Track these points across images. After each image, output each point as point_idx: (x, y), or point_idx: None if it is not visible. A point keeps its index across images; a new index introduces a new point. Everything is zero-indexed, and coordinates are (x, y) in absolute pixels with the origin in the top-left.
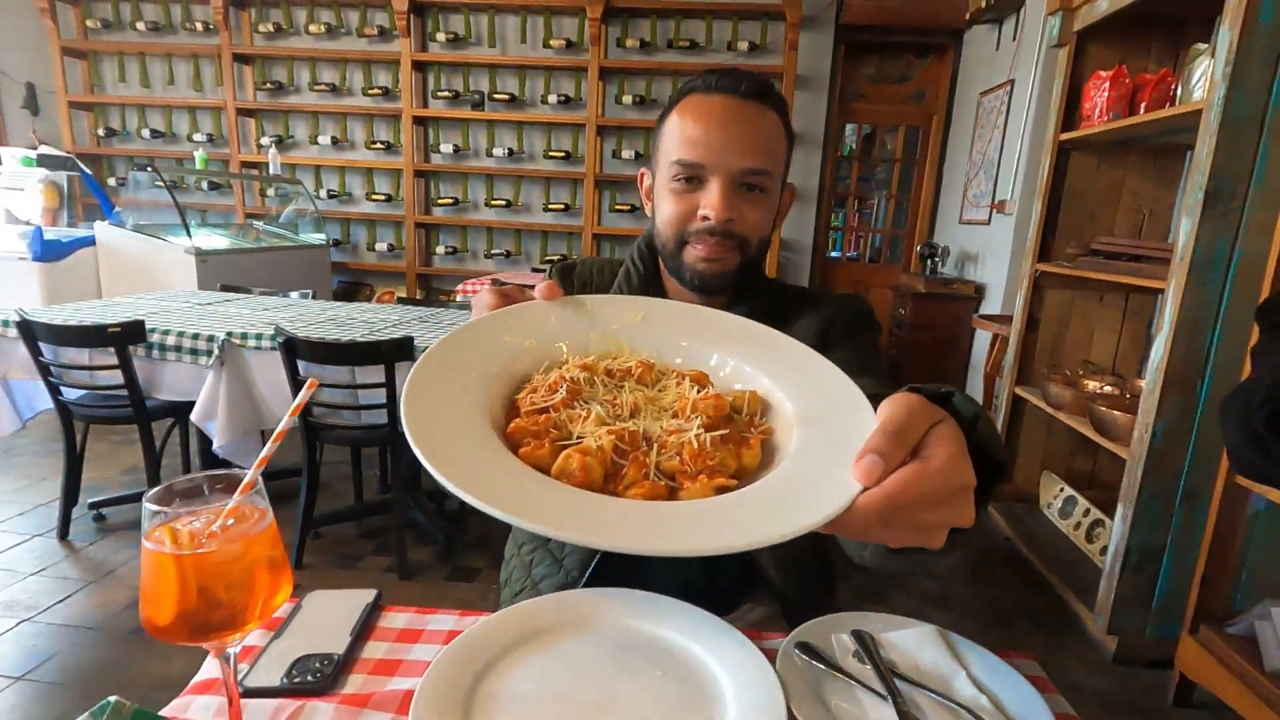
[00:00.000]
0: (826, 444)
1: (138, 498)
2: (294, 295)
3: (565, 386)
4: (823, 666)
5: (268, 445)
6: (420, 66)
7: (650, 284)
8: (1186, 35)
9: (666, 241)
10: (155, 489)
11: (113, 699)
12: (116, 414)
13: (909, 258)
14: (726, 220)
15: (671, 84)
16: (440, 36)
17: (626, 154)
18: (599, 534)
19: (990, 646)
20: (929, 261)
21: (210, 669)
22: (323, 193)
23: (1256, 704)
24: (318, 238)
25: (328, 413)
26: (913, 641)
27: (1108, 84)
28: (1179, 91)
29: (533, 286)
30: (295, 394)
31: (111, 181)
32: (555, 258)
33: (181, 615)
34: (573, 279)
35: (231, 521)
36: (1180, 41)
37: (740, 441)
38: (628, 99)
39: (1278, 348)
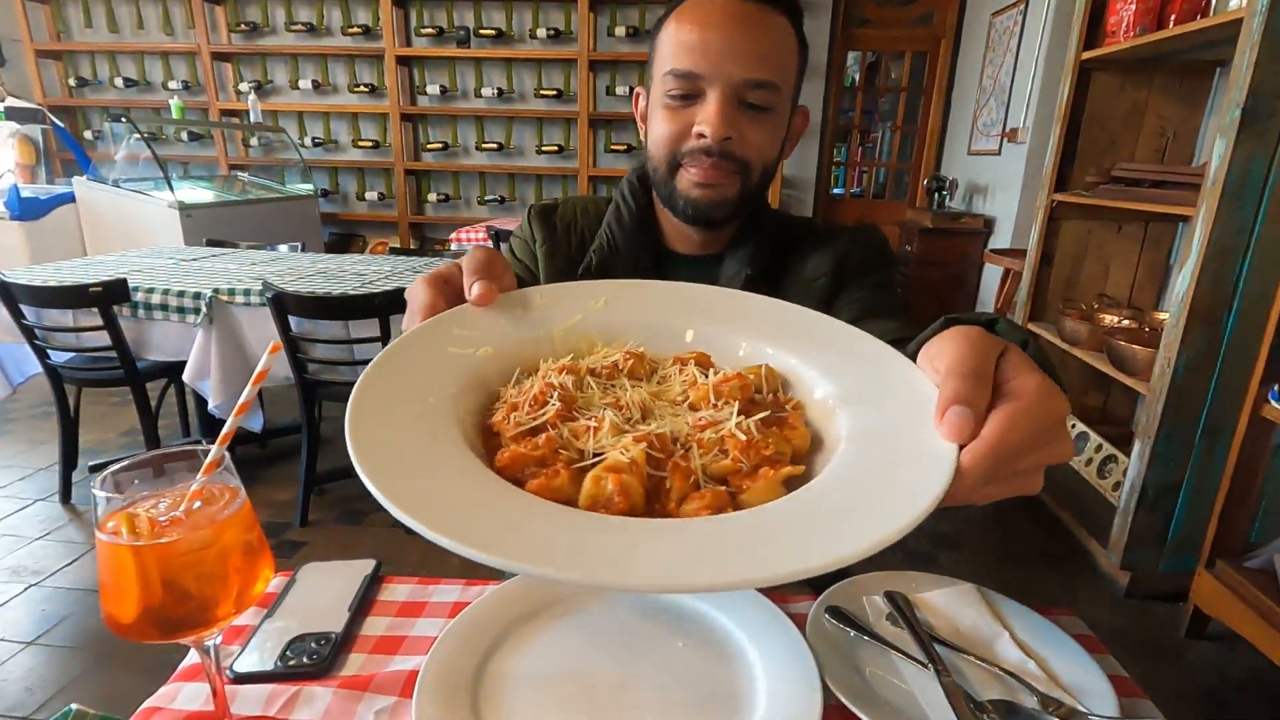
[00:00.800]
0: (882, 409)
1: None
2: (283, 249)
3: (556, 396)
4: (855, 632)
5: (229, 421)
6: (401, 2)
7: (643, 221)
8: None
9: (658, 165)
10: (106, 471)
11: (74, 707)
12: (107, 376)
13: (915, 192)
14: (725, 139)
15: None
16: None
17: (621, 90)
18: (699, 574)
19: (1003, 586)
20: (936, 195)
21: (195, 655)
22: (307, 140)
23: (1274, 636)
24: (305, 188)
25: (323, 369)
26: (950, 601)
27: None
28: (1213, 2)
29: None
30: (289, 351)
31: (88, 135)
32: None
33: (147, 612)
34: (554, 221)
35: (199, 505)
36: None
37: (781, 423)
38: (620, 30)
39: None
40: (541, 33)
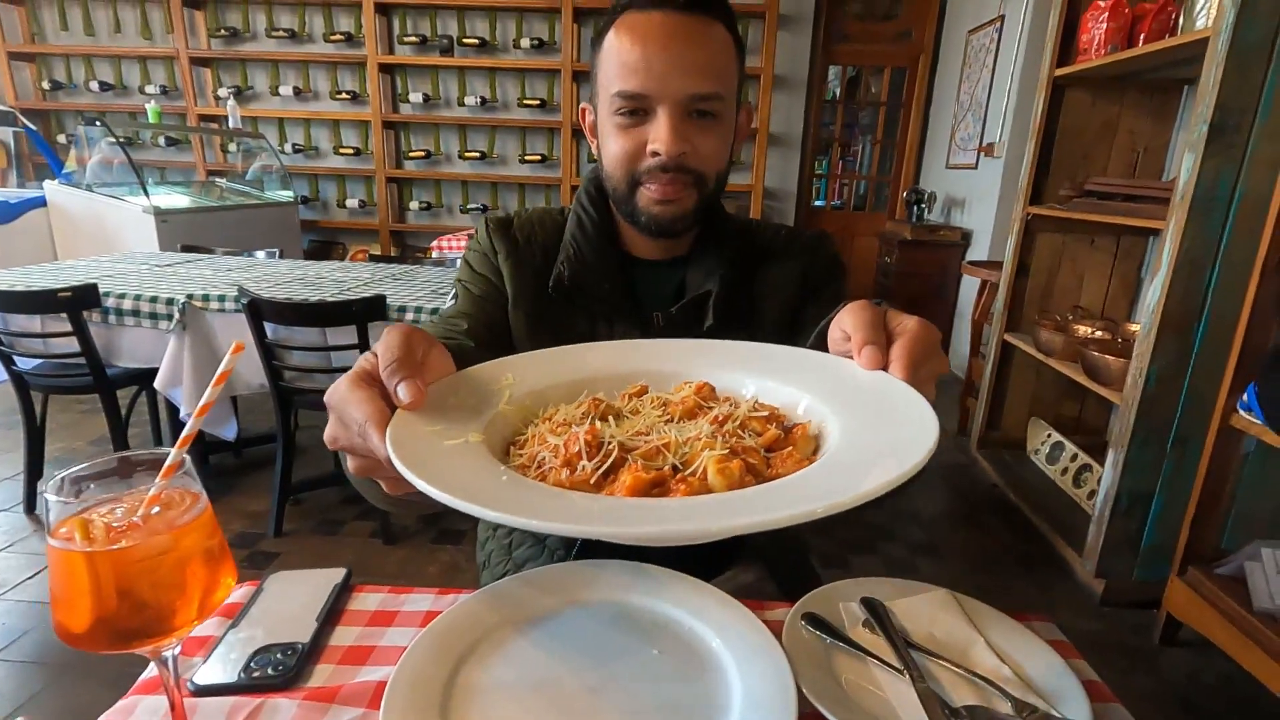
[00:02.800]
0: (856, 400)
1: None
2: (260, 255)
3: (609, 436)
4: (831, 639)
5: (189, 423)
6: (384, 10)
7: (605, 230)
8: None
9: (617, 184)
10: (59, 475)
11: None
12: (76, 383)
13: (894, 204)
14: (679, 155)
15: None
16: None
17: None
18: (778, 510)
19: (980, 593)
20: (915, 208)
21: (155, 667)
22: (287, 147)
23: (1245, 642)
24: (285, 195)
25: (299, 376)
26: (926, 608)
27: (1106, 15)
28: (1181, 21)
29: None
30: (264, 358)
31: (61, 139)
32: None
33: (100, 622)
34: (514, 234)
35: (157, 510)
36: None
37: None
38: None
39: None
40: (525, 43)
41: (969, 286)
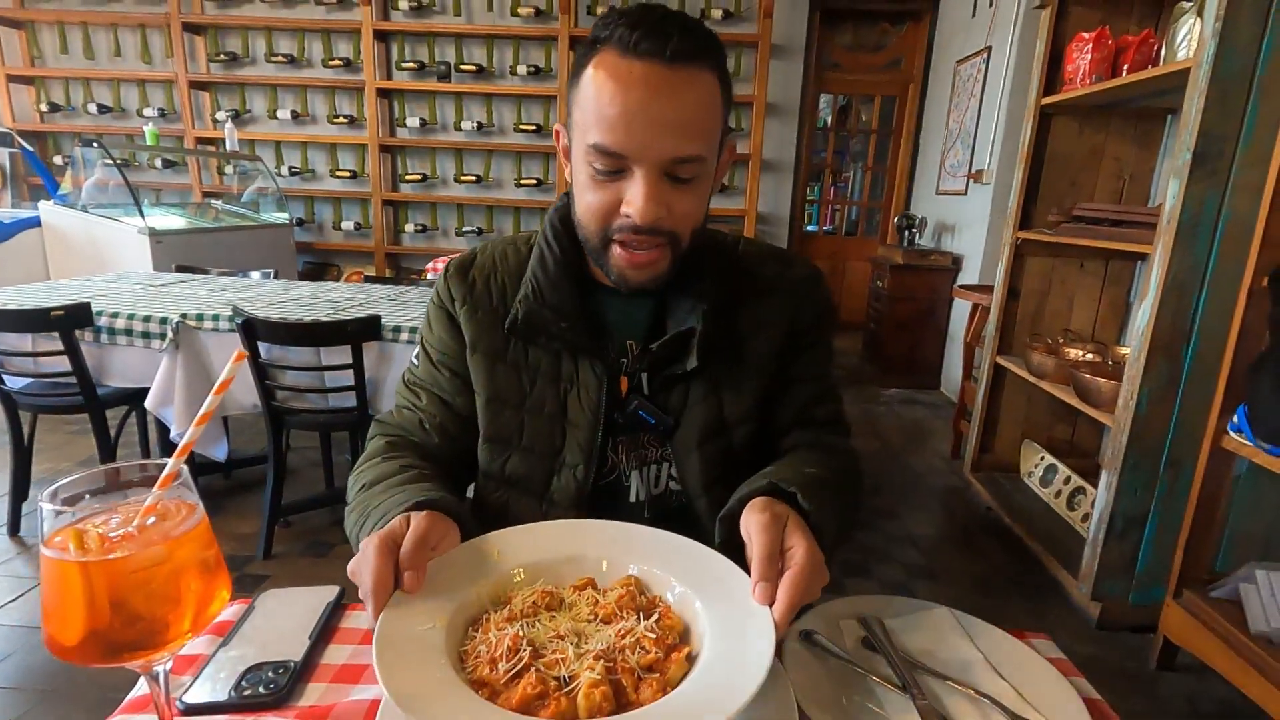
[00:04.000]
0: (720, 595)
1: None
2: (254, 275)
3: (525, 645)
4: (831, 658)
5: (189, 431)
6: (382, 36)
7: (569, 266)
8: None
9: (589, 236)
10: (56, 484)
11: None
12: (65, 403)
13: (886, 229)
14: (655, 220)
15: None
16: (403, 4)
17: None
18: None
19: (978, 615)
20: (906, 233)
21: (145, 685)
22: (284, 169)
23: (1241, 666)
24: (280, 217)
25: (292, 396)
26: (925, 625)
27: (1090, 46)
28: (1163, 52)
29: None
30: (257, 378)
31: (57, 160)
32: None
33: (93, 634)
34: (472, 274)
35: (152, 520)
36: (1162, 2)
37: (664, 616)
38: None
39: None
40: (522, 69)
41: (960, 310)
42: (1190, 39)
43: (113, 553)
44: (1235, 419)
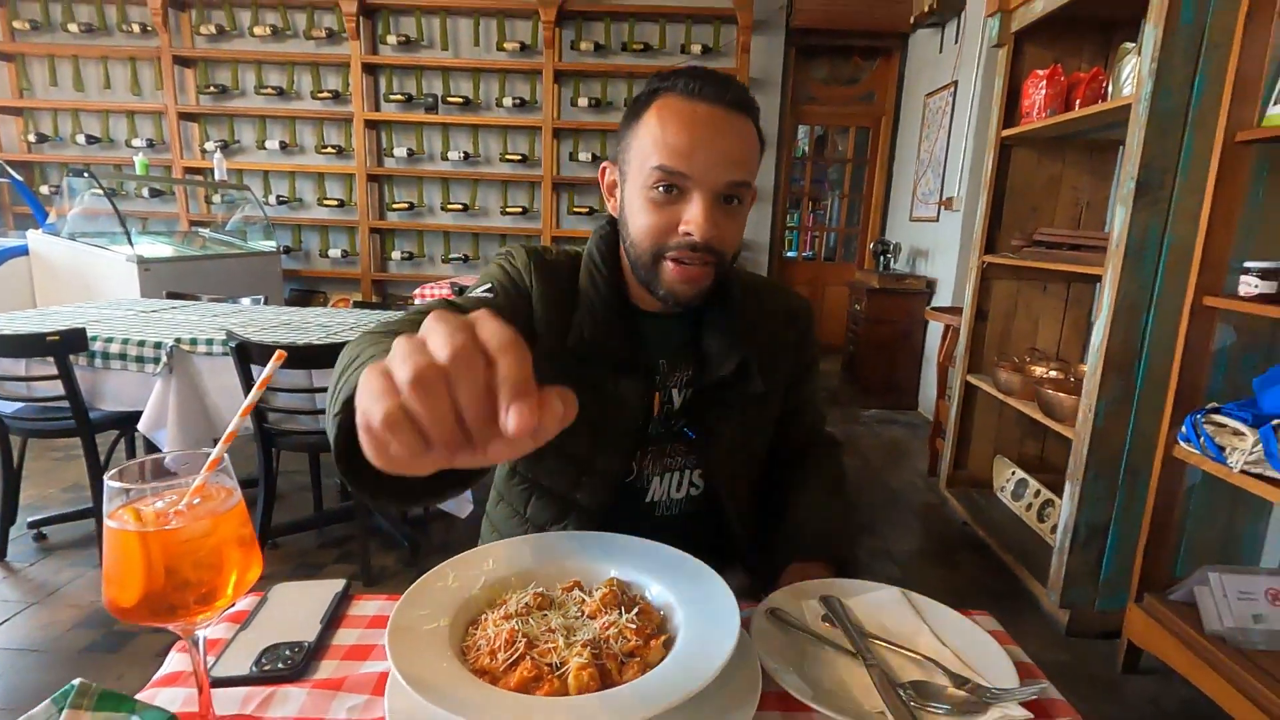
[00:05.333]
0: (694, 595)
1: (80, 515)
2: (245, 301)
3: (521, 637)
4: (794, 630)
5: (234, 420)
6: (371, 69)
7: (617, 288)
8: (1116, 35)
9: (642, 254)
10: (117, 468)
11: (77, 681)
12: (57, 426)
13: (862, 255)
14: (710, 238)
15: (627, 87)
16: (391, 39)
17: (584, 156)
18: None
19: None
20: (882, 258)
21: (175, 663)
22: (271, 198)
23: (1198, 664)
24: (268, 245)
25: (284, 418)
26: (878, 602)
27: (1044, 82)
28: (1110, 88)
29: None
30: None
31: (44, 189)
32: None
33: (148, 596)
34: (549, 275)
35: (198, 500)
36: (1110, 41)
37: (644, 612)
38: (583, 101)
39: None
40: (508, 101)
41: (934, 332)
42: (1133, 77)
43: (167, 525)
44: (1184, 429)
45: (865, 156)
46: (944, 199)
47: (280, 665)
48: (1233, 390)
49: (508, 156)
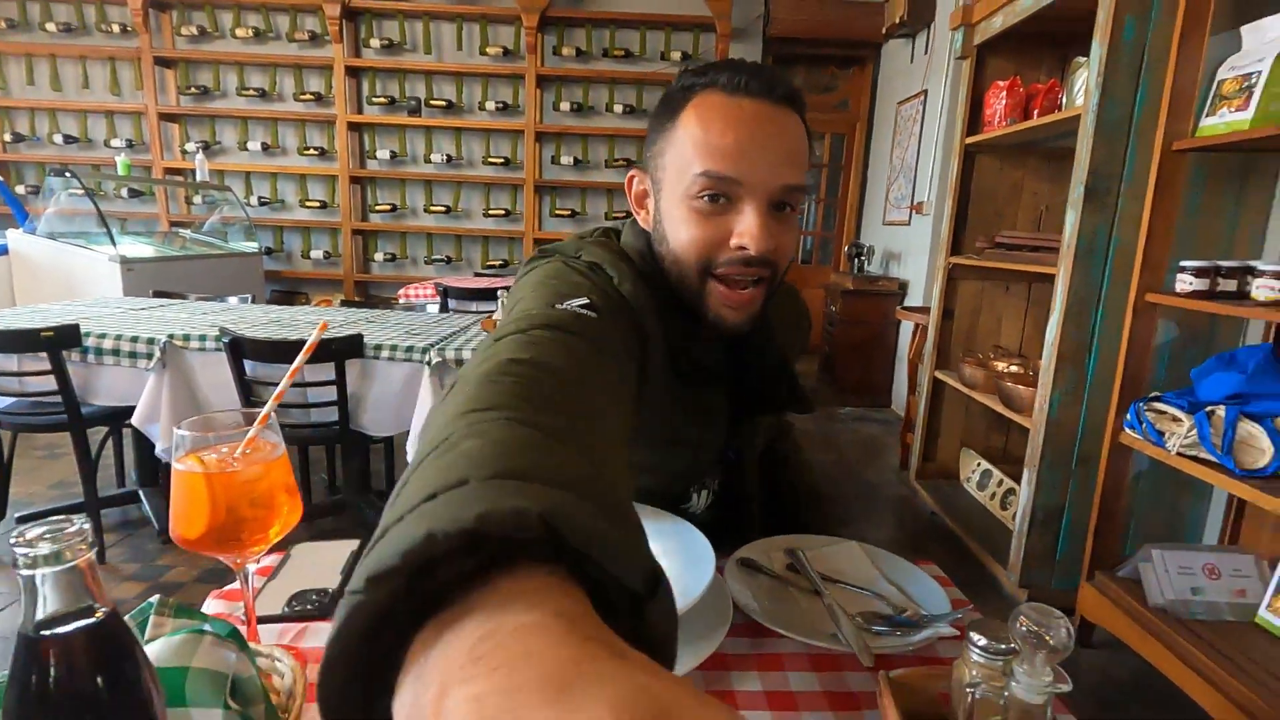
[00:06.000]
0: (680, 548)
1: (70, 510)
2: (232, 300)
3: None
4: (762, 575)
5: (284, 382)
6: (354, 72)
7: (664, 297)
8: (1070, 50)
9: (687, 270)
10: (187, 421)
11: (155, 597)
12: (48, 421)
13: (838, 257)
14: (768, 248)
15: (609, 92)
16: (374, 43)
17: (565, 160)
18: None
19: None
20: (856, 260)
21: (211, 607)
22: (253, 199)
23: (1143, 635)
24: (249, 246)
25: (275, 411)
26: (837, 553)
27: (1005, 92)
28: (1064, 99)
29: None
30: (241, 395)
31: (20, 189)
32: (497, 263)
33: (211, 529)
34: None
35: (250, 451)
36: (1065, 55)
37: None
38: (565, 106)
39: None
40: (490, 105)
41: (906, 331)
42: (1084, 89)
43: (228, 468)
44: (1129, 416)
45: (841, 162)
46: (915, 203)
47: (309, 606)
48: (1174, 380)
49: (490, 159)
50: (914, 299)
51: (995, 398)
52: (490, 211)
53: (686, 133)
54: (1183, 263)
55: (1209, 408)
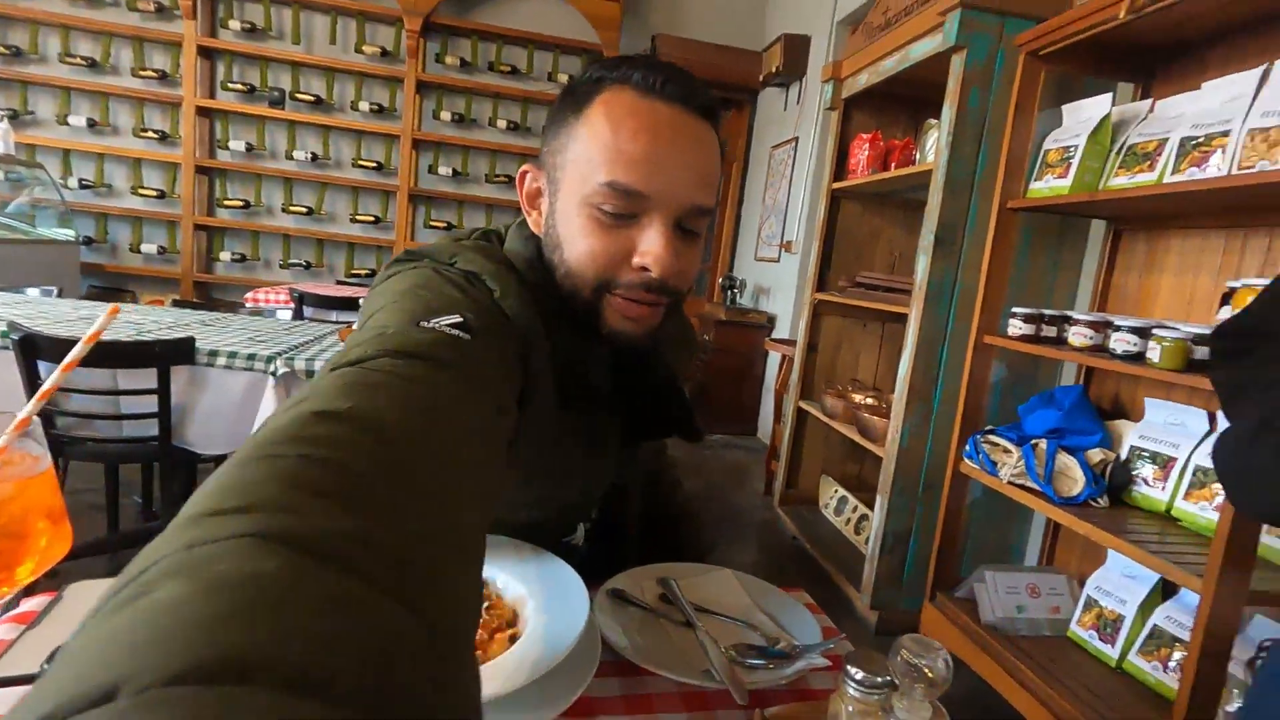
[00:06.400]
0: (544, 592)
1: None
2: (33, 292)
3: None
4: (633, 607)
5: (54, 375)
6: (208, 53)
7: (554, 311)
8: (924, 111)
9: (580, 286)
10: None
11: None
12: None
13: (713, 290)
14: (673, 272)
15: (493, 107)
16: (234, 24)
17: (444, 170)
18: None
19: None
20: (729, 293)
21: None
22: (72, 181)
23: (976, 652)
24: (64, 233)
25: (77, 424)
26: (710, 582)
27: (867, 145)
28: (918, 155)
29: None
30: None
31: None
32: (363, 271)
33: None
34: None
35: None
36: (920, 116)
37: (494, 605)
38: (446, 115)
39: (1252, 378)
40: (364, 106)
41: (773, 362)
42: (935, 147)
43: None
44: (968, 448)
45: (718, 200)
46: (784, 242)
47: None
48: (1006, 415)
49: (361, 162)
50: (781, 332)
51: (853, 428)
52: (358, 217)
53: (592, 131)
54: (1014, 309)
55: (1033, 441)
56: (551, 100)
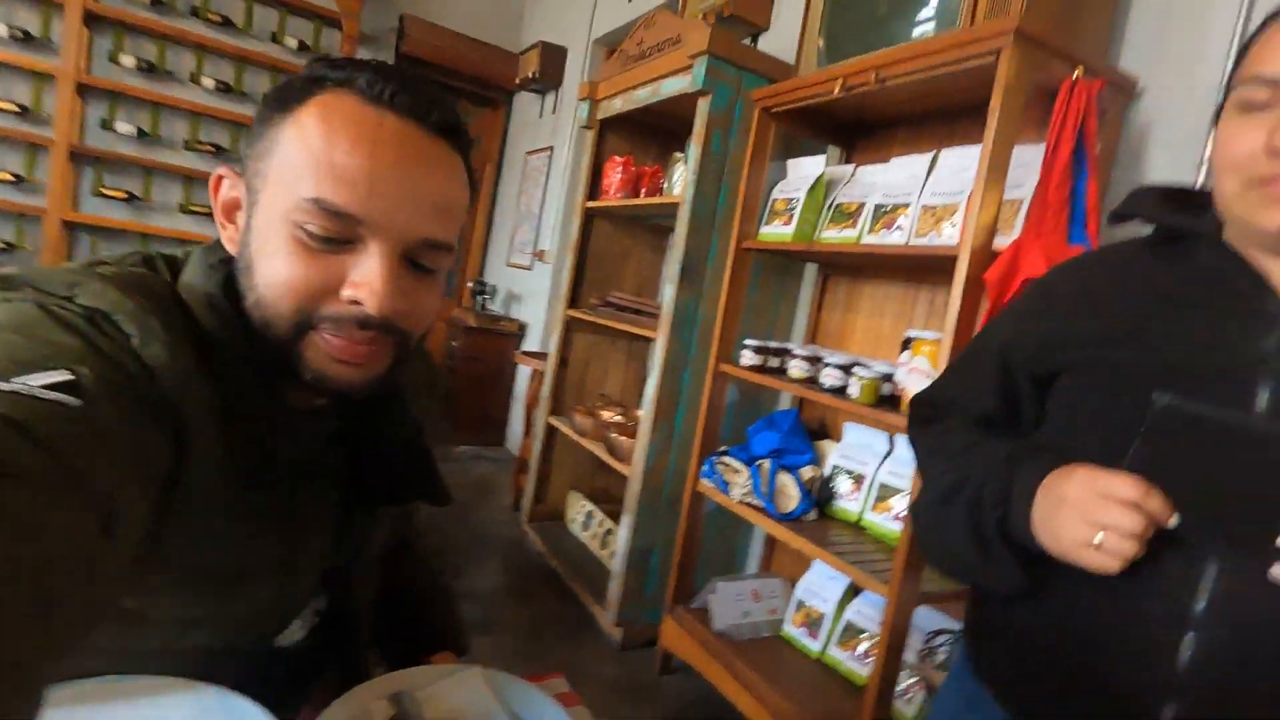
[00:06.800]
0: None
1: None
2: None
3: None
4: None
5: None
6: None
7: (236, 359)
8: (672, 144)
9: (276, 319)
10: None
11: None
12: None
13: (462, 292)
14: (393, 312)
15: (196, 59)
16: None
17: (124, 128)
18: None
19: (523, 663)
20: (479, 298)
21: None
22: None
23: (707, 659)
24: None
25: None
26: (454, 689)
27: (620, 168)
28: (665, 185)
29: None
30: None
31: None
32: None
33: None
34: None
35: None
36: (670, 145)
37: None
38: (129, 60)
39: (940, 445)
40: (2, 30)
41: (524, 373)
42: (681, 180)
43: None
44: (705, 467)
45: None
46: (537, 250)
47: None
48: (736, 436)
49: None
50: (532, 341)
51: (602, 446)
52: None
53: (301, 136)
54: (746, 340)
55: (758, 461)
56: (278, 66)
